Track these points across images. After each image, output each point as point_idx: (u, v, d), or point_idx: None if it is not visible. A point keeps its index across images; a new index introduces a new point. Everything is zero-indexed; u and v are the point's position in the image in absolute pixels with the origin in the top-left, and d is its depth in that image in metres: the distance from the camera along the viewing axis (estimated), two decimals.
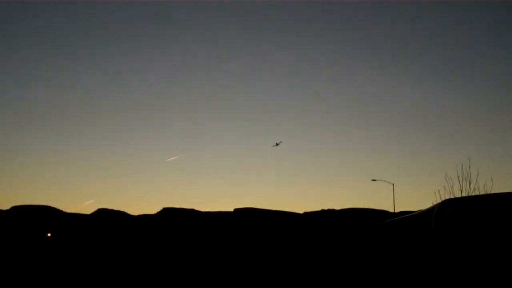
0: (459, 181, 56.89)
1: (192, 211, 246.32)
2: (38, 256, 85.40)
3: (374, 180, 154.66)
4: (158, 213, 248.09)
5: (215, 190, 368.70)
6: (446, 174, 57.72)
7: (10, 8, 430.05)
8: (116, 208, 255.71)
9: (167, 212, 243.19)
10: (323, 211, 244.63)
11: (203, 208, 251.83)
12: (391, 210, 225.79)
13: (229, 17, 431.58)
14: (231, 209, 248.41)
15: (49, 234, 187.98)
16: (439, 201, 57.26)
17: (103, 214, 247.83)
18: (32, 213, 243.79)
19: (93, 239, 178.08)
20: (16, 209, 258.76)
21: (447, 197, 56.13)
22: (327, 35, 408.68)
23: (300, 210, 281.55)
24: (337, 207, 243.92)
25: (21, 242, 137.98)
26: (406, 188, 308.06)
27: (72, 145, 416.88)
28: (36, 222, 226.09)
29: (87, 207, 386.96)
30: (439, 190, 58.46)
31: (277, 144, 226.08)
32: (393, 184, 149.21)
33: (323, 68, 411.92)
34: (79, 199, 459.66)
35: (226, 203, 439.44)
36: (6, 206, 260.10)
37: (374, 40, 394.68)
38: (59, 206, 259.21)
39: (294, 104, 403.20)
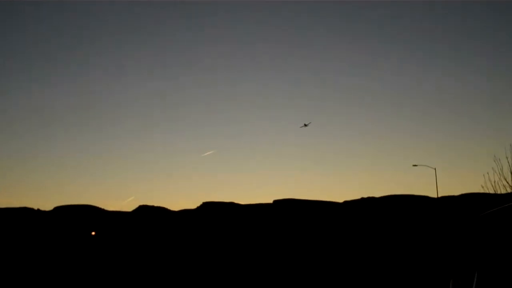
0: (508, 162, 54.87)
1: (232, 204, 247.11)
2: (84, 254, 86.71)
3: (415, 165, 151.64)
4: (199, 208, 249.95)
5: (253, 182, 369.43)
6: (494, 156, 55.80)
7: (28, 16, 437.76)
8: (156, 204, 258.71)
9: (207, 207, 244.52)
10: (362, 199, 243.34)
11: (242, 201, 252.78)
12: (433, 195, 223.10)
13: (248, 16, 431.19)
14: (271, 201, 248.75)
15: (93, 233, 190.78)
16: (488, 183, 55.82)
17: (144, 210, 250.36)
18: (75, 212, 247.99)
19: (136, 236, 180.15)
20: (59, 210, 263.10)
21: (497, 179, 54.50)
22: (366, 24, 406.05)
23: (339, 199, 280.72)
24: (377, 194, 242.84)
25: (66, 242, 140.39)
26: (448, 173, 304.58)
27: (110, 144, 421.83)
28: (79, 222, 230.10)
29: (128, 205, 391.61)
30: (488, 173, 56.62)
31: (305, 125, 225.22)
32: (434, 169, 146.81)
33: (356, 54, 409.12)
34: (120, 197, 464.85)
35: (265, 195, 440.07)
36: (49, 207, 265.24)
37: (422, 30, 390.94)
38: (100, 204, 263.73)
39: (330, 92, 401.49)
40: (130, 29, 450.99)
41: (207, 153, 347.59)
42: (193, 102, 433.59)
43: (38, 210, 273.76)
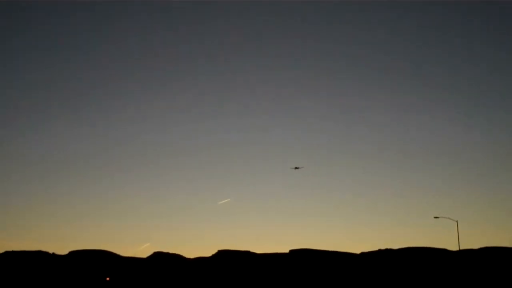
0: None
1: (248, 253, 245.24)
2: None
3: (437, 217, 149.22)
4: (214, 256, 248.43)
5: (269, 231, 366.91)
6: None
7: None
8: (171, 251, 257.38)
9: (223, 255, 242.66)
10: (380, 251, 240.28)
11: (258, 250, 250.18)
12: (452, 248, 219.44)
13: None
14: (287, 250, 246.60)
15: (108, 278, 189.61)
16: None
17: (159, 257, 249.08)
18: (89, 257, 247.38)
19: (150, 283, 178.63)
20: (73, 254, 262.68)
21: None
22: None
23: (356, 250, 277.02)
24: (395, 246, 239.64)
25: (80, 286, 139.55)
26: (470, 225, 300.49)
27: (127, 190, 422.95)
28: (94, 266, 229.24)
29: (143, 251, 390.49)
30: None
31: (296, 168, 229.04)
32: (456, 221, 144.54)
33: (379, 101, 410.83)
34: (135, 243, 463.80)
35: (281, 244, 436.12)
36: (64, 251, 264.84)
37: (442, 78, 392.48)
38: (115, 250, 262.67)
39: (350, 140, 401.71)
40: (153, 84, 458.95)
41: (223, 201, 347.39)
42: (209, 150, 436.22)
43: (53, 254, 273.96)
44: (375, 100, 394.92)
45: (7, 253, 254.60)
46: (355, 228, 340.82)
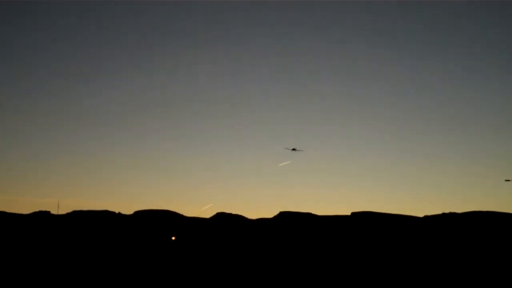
0: None
1: (309, 215, 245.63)
2: (162, 258, 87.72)
3: (508, 180, 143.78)
4: (275, 217, 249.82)
5: (331, 194, 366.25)
6: None
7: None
8: (234, 211, 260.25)
9: (284, 216, 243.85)
10: (444, 214, 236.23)
11: (319, 212, 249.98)
12: None
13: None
14: (348, 213, 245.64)
15: (173, 238, 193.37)
16: None
17: (221, 218, 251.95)
18: (154, 217, 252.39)
19: (213, 243, 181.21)
20: (139, 214, 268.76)
21: None
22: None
23: (419, 213, 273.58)
24: (459, 210, 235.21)
25: (144, 245, 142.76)
26: None
27: (190, 150, 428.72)
28: (158, 226, 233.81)
29: (206, 211, 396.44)
30: None
31: (294, 150, 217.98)
32: None
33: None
34: (199, 203, 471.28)
35: (343, 207, 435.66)
36: (129, 211, 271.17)
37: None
38: (179, 210, 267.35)
39: (418, 104, 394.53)
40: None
41: (284, 163, 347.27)
42: (272, 111, 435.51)
43: (119, 213, 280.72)
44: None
45: (75, 213, 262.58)
46: (418, 190, 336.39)
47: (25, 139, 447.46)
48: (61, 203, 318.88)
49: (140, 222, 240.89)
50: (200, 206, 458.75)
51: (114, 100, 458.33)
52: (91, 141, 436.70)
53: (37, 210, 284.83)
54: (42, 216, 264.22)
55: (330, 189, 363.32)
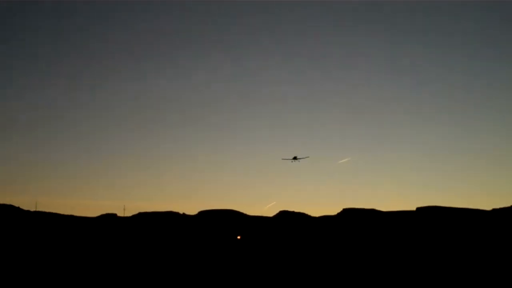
0: None
1: (373, 211, 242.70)
2: (227, 257, 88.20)
3: None
4: (339, 214, 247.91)
5: (395, 189, 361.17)
6: None
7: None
8: (297, 209, 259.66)
9: (348, 213, 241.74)
10: None
11: (384, 208, 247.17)
12: None
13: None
14: (413, 208, 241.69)
15: (238, 237, 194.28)
16: None
17: (285, 216, 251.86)
18: (218, 217, 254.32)
19: (277, 241, 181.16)
20: (203, 214, 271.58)
21: None
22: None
23: (487, 206, 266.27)
24: None
25: (210, 245, 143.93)
26: None
27: (253, 150, 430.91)
28: (222, 226, 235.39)
29: (269, 210, 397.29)
30: None
31: (295, 159, 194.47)
32: None
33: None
34: (261, 202, 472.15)
35: (407, 202, 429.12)
36: (193, 211, 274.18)
37: None
38: (242, 209, 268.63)
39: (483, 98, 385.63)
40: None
41: (343, 160, 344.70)
42: (330, 112, 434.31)
43: (183, 214, 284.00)
44: None
45: (140, 214, 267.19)
46: (485, 183, 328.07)
47: (94, 145, 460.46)
48: (127, 205, 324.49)
49: (204, 222, 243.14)
50: (263, 205, 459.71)
51: (175, 102, 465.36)
52: (154, 144, 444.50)
53: (104, 213, 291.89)
54: (109, 219, 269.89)
55: (393, 185, 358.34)
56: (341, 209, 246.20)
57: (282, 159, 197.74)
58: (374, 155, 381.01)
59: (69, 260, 65.99)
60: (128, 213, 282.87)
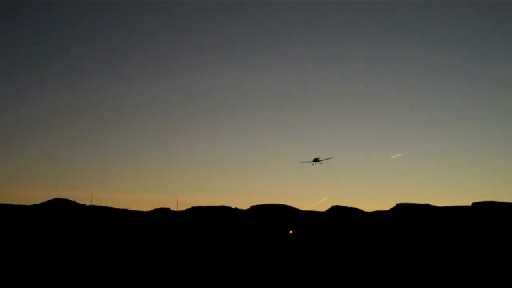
0: None
1: (427, 206, 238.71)
2: (278, 252, 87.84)
3: None
4: (392, 209, 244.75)
5: (450, 184, 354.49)
6: None
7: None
8: (349, 205, 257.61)
9: (401, 208, 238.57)
10: None
11: (438, 203, 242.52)
12: None
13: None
14: (469, 203, 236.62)
15: (291, 232, 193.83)
16: None
17: (337, 211, 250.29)
18: (269, 211, 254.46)
19: (329, 236, 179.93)
20: (255, 208, 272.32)
21: None
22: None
23: None
24: None
25: (262, 239, 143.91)
26: None
27: (304, 145, 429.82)
28: (274, 220, 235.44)
29: (321, 205, 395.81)
30: None
31: (316, 161, 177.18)
32: None
33: None
34: (313, 197, 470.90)
35: (463, 197, 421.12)
36: (245, 206, 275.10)
37: None
38: (294, 204, 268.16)
39: None
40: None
41: (396, 155, 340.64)
42: (382, 105, 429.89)
43: (236, 208, 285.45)
44: None
45: (193, 209, 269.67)
46: None
47: (149, 141, 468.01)
48: (180, 200, 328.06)
49: (256, 216, 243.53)
50: (314, 200, 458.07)
51: (226, 98, 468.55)
52: (207, 140, 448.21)
53: (157, 207, 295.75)
54: (163, 213, 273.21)
55: (448, 180, 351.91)
56: (395, 204, 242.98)
57: (301, 162, 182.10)
58: (427, 150, 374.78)
59: (123, 254, 66.73)
60: (181, 207, 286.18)
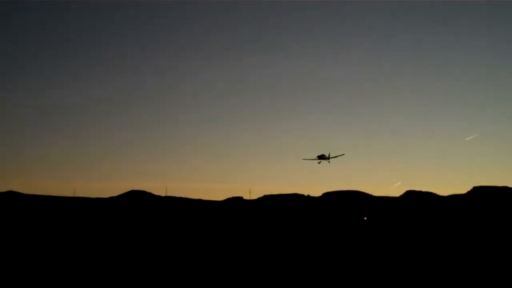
0: None
1: (506, 189, 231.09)
2: (354, 239, 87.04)
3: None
4: (469, 193, 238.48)
5: None
6: None
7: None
8: (424, 189, 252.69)
9: (479, 191, 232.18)
10: None
11: None
12: None
13: None
14: None
15: (365, 218, 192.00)
16: None
17: (411, 196, 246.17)
18: (342, 198, 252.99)
19: (404, 221, 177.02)
20: (328, 195, 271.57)
21: None
22: None
23: None
24: None
25: (335, 226, 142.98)
26: None
27: (379, 129, 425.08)
28: (347, 207, 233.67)
29: (395, 190, 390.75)
30: None
31: (321, 158, 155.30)
32: None
33: None
34: (387, 182, 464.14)
35: None
36: (318, 193, 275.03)
37: None
38: (367, 190, 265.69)
39: None
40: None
41: (471, 137, 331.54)
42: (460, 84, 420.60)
43: (308, 196, 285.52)
44: None
45: (266, 197, 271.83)
46: None
47: (222, 132, 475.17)
48: (252, 189, 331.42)
49: (329, 203, 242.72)
50: (388, 185, 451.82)
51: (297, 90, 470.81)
52: (279, 130, 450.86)
53: (230, 196, 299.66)
54: (236, 202, 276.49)
55: None
56: (471, 188, 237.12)
57: (303, 159, 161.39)
58: (504, 131, 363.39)
59: (197, 242, 67.79)
60: (254, 196, 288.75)
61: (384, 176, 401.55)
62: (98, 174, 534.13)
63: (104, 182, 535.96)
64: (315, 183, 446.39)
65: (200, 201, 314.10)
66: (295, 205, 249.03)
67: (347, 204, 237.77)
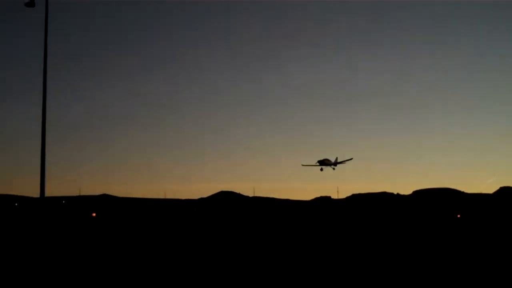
0: None
1: None
2: (447, 236, 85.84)
3: None
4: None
5: None
6: None
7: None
8: None
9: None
10: None
11: None
12: None
13: None
14: None
15: (458, 216, 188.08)
16: None
17: (506, 192, 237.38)
18: (433, 196, 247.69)
19: (498, 219, 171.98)
20: (418, 193, 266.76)
21: None
22: None
23: None
24: None
25: (426, 224, 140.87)
26: None
27: (462, 123, 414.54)
28: (439, 204, 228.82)
29: (489, 187, 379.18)
30: None
31: (324, 164, 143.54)
32: None
33: None
34: (480, 179, 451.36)
35: None
36: (407, 191, 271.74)
37: None
38: (459, 187, 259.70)
39: None
40: None
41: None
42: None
43: (398, 194, 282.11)
44: None
45: (354, 196, 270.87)
46: None
47: (306, 131, 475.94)
48: (340, 188, 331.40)
49: (419, 201, 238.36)
50: (481, 181, 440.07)
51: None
52: (367, 129, 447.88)
53: (318, 196, 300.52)
54: (324, 201, 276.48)
55: None
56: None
57: (302, 165, 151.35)
58: None
59: (283, 242, 68.80)
60: (342, 195, 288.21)
61: (477, 171, 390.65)
62: (185, 176, 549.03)
63: (197, 184, 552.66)
64: (404, 181, 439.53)
65: (287, 201, 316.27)
66: (384, 203, 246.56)
67: (439, 201, 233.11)
